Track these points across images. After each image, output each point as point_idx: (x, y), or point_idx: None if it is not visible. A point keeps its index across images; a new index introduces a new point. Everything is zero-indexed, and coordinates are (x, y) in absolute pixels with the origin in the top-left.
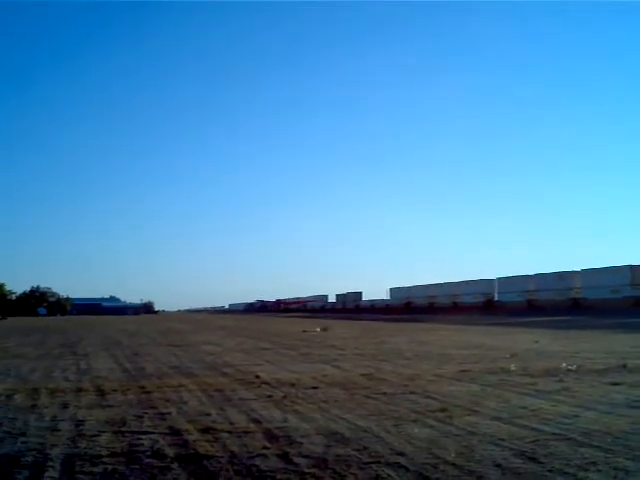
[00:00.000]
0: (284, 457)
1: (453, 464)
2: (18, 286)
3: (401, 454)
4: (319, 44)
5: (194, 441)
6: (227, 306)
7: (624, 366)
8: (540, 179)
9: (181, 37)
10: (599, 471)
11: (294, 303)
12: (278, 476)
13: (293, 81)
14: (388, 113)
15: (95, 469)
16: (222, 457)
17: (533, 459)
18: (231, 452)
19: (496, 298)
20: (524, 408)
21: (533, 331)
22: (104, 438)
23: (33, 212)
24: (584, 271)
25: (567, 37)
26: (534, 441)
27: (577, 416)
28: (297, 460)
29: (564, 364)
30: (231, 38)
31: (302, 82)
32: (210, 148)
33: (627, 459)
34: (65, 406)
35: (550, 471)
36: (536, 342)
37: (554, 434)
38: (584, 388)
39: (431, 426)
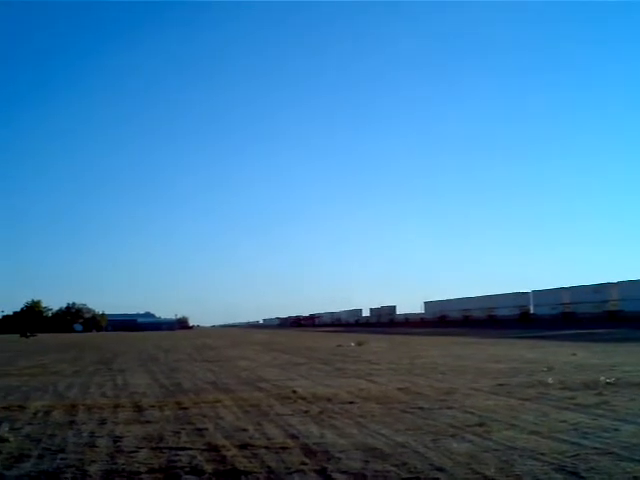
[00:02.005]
0: (322, 473)
1: (493, 479)
2: (54, 303)
3: (440, 469)
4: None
5: (232, 457)
6: (261, 321)
7: None
8: (576, 192)
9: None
10: None
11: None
12: None
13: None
14: (420, 132)
15: None
16: (260, 473)
17: (574, 474)
18: (269, 468)
19: (532, 311)
20: (563, 422)
21: (570, 344)
22: (142, 454)
23: (69, 230)
24: (621, 283)
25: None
26: (574, 455)
27: (617, 430)
28: (335, 476)
29: (602, 377)
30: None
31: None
32: (244, 160)
33: None
34: (103, 422)
35: None
36: (573, 355)
37: (595, 448)
38: (623, 401)
39: (470, 441)
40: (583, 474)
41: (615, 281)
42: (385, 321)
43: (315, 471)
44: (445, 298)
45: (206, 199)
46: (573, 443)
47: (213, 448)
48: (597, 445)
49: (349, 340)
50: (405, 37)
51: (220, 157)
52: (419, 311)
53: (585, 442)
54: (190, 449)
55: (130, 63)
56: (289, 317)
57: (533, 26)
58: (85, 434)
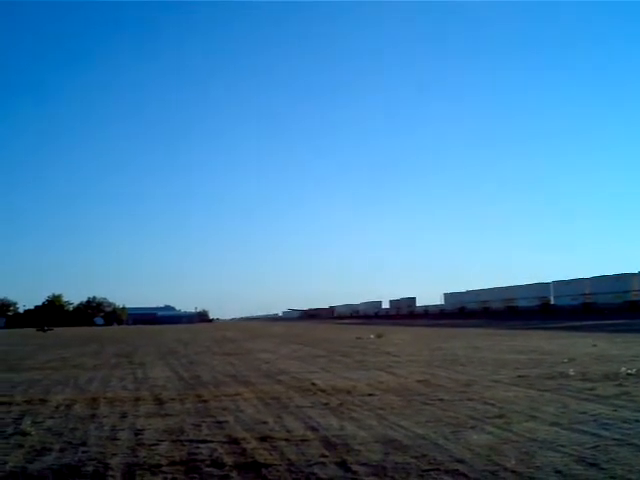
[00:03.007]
0: (342, 465)
1: (513, 471)
2: (75, 297)
3: (460, 461)
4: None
5: (252, 449)
6: (280, 314)
7: None
8: (593, 182)
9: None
10: None
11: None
12: None
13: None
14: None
15: (155, 478)
16: (280, 465)
17: (594, 465)
18: (289, 460)
19: (552, 302)
20: (584, 413)
21: (590, 335)
22: (163, 447)
23: (90, 225)
24: None
25: None
26: (595, 447)
27: (638, 421)
28: (355, 468)
29: (623, 368)
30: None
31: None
32: (261, 156)
33: None
34: (124, 415)
35: (612, 478)
36: (594, 346)
37: (615, 440)
38: None
39: (489, 432)
40: (603, 465)
41: (636, 271)
42: (405, 313)
43: (335, 463)
44: (465, 289)
45: (226, 193)
46: (593, 434)
47: (233, 441)
48: (617, 436)
49: (368, 332)
50: (416, 36)
51: (233, 147)
52: (439, 303)
53: (605, 433)
54: (211, 442)
55: (133, 59)
56: (309, 309)
57: (550, 24)
58: (106, 427)
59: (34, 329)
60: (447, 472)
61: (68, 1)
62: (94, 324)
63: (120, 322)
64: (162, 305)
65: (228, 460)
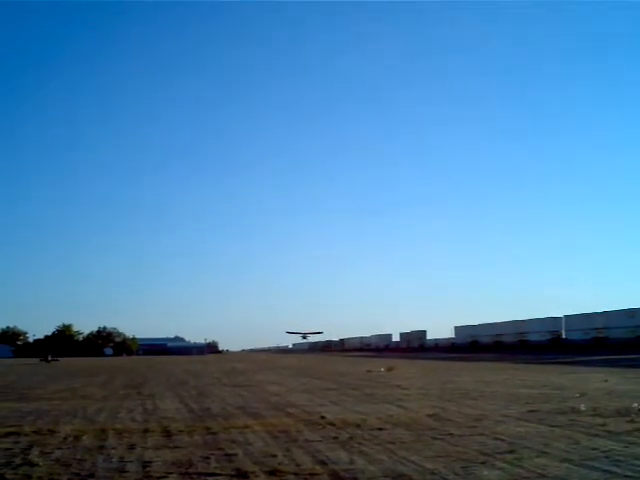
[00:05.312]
0: None
1: None
2: (86, 326)
3: None
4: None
5: None
6: (290, 345)
7: None
8: (607, 219)
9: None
10: None
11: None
12: None
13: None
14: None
15: None
16: None
17: None
18: None
19: (564, 336)
20: (595, 449)
21: (602, 370)
22: None
23: (100, 254)
24: None
25: None
26: None
27: None
28: None
29: (635, 404)
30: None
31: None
32: (278, 184)
33: None
34: (132, 447)
35: None
36: (605, 381)
37: (627, 476)
38: None
39: (500, 468)
40: None
41: None
42: (415, 346)
43: None
44: (476, 323)
45: (235, 223)
46: (605, 471)
47: (242, 474)
48: (629, 473)
49: (379, 365)
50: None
51: (244, 172)
52: (450, 336)
53: (617, 470)
54: (219, 475)
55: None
56: (318, 342)
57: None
58: (114, 459)
59: (38, 359)
60: None
61: None
62: (104, 354)
63: (130, 353)
64: (172, 336)
65: None
